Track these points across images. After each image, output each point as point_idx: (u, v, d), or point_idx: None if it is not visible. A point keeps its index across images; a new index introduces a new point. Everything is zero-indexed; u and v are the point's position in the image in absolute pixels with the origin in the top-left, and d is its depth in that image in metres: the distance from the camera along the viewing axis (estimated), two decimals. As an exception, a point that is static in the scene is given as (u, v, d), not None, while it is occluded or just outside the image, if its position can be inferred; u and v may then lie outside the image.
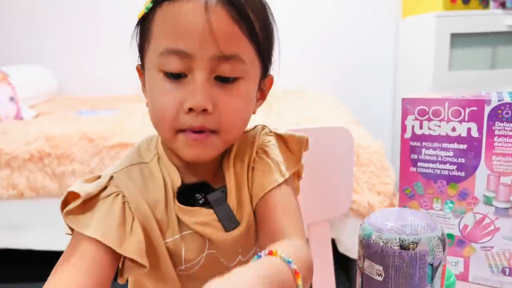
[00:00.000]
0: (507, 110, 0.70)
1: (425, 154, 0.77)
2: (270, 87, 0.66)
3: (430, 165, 0.77)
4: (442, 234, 0.55)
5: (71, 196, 0.54)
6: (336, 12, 2.69)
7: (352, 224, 1.48)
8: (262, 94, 0.65)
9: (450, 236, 0.77)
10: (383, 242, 0.54)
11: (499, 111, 0.70)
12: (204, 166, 0.63)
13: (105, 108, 2.22)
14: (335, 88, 2.61)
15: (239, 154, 0.64)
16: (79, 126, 1.66)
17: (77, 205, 0.53)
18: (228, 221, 0.61)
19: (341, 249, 1.54)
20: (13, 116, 2.00)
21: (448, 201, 0.76)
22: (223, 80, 0.54)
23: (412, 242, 0.52)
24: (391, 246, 0.53)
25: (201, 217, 0.60)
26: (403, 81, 2.56)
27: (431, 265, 0.53)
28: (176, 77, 0.53)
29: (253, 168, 0.63)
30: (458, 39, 2.15)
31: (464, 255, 0.77)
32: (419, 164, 0.78)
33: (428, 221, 0.56)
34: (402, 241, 0.53)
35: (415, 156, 0.78)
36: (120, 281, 0.58)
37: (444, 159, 0.75)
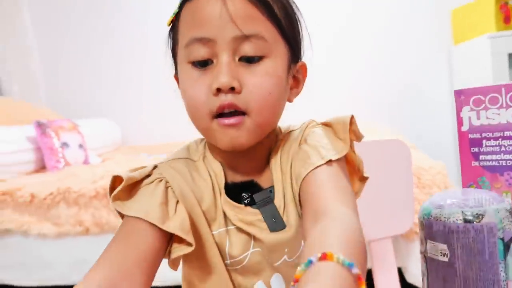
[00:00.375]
0: None
1: (486, 146, 0.73)
2: (305, 75, 0.65)
3: (494, 156, 0.72)
4: (511, 208, 0.50)
5: (117, 182, 0.56)
6: (386, 45, 2.68)
7: (418, 250, 1.38)
8: (296, 82, 0.64)
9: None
10: (444, 217, 0.50)
11: None
12: (248, 164, 0.63)
13: (163, 153, 2.32)
14: (391, 121, 2.56)
15: (285, 152, 0.63)
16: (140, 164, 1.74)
17: (123, 191, 0.55)
18: (274, 223, 0.60)
19: (409, 278, 1.44)
20: (81, 162, 2.14)
21: (519, 194, 0.71)
22: (248, 60, 0.55)
23: (476, 214, 0.49)
24: (454, 221, 0.49)
25: (246, 216, 0.59)
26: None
27: (502, 239, 0.48)
28: (203, 64, 0.56)
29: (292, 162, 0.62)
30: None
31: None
32: (481, 157, 0.73)
33: (493, 194, 0.52)
34: (465, 214, 0.49)
35: (476, 149, 0.74)
36: (171, 266, 0.58)
37: (508, 148, 0.71)
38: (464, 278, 0.49)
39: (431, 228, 0.52)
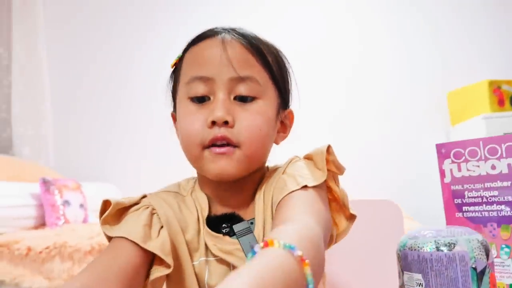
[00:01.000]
0: (545, 141, 0.69)
1: (468, 197, 0.75)
2: (291, 122, 0.71)
3: (477, 207, 0.75)
4: (484, 240, 0.52)
5: (107, 207, 0.60)
6: (383, 130, 2.77)
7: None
8: (284, 127, 0.70)
9: (512, 286, 0.71)
10: (418, 247, 0.52)
11: (537, 144, 0.70)
12: (234, 197, 0.66)
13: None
14: (391, 197, 2.57)
15: (268, 185, 0.66)
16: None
17: (112, 216, 0.59)
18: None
19: None
20: (81, 221, 2.15)
21: (503, 246, 0.72)
22: (242, 100, 0.61)
23: (448, 243, 0.51)
24: (427, 250, 0.51)
25: (225, 245, 0.61)
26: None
27: (474, 269, 0.50)
28: (201, 100, 0.62)
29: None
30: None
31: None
32: (465, 208, 0.76)
33: (467, 229, 0.54)
34: (437, 242, 0.51)
35: (459, 201, 0.76)
36: (150, 287, 0.59)
37: (490, 199, 0.73)
38: (440, 309, 0.50)
39: (407, 258, 0.53)
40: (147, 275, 0.59)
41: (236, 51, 0.62)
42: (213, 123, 0.59)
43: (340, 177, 0.67)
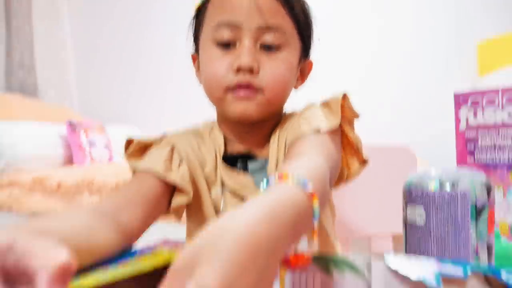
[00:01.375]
0: (562, 90, 0.70)
1: (482, 144, 0.77)
2: (309, 72, 0.74)
3: (489, 154, 0.77)
4: (487, 182, 0.55)
5: (130, 144, 0.66)
6: (408, 79, 2.73)
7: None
8: (302, 75, 0.73)
9: (515, 229, 0.74)
10: (423, 184, 0.55)
11: (554, 93, 0.71)
12: (251, 138, 0.69)
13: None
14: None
15: (284, 129, 0.69)
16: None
17: (135, 152, 0.65)
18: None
19: None
20: (106, 160, 2.25)
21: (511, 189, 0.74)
22: (267, 48, 0.63)
23: (452, 181, 0.54)
24: (431, 187, 0.54)
25: (240, 179, 0.66)
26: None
27: (475, 206, 0.53)
28: (227, 46, 0.63)
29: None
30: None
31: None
32: (476, 155, 0.78)
33: (471, 170, 0.57)
34: (441, 181, 0.54)
35: (472, 147, 0.78)
36: (174, 215, 0.65)
37: (503, 146, 0.75)
38: (438, 240, 0.54)
39: (411, 194, 0.57)
40: (169, 204, 0.64)
41: None
42: (239, 69, 0.61)
43: (360, 123, 0.70)
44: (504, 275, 0.34)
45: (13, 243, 0.26)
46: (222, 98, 0.64)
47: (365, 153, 0.72)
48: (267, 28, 0.62)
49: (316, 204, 0.39)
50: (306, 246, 0.40)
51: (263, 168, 0.68)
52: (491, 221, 0.54)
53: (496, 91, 0.76)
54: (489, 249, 0.54)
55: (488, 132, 0.77)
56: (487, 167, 0.77)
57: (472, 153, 0.78)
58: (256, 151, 0.70)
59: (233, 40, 0.63)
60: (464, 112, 0.79)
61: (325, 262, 0.43)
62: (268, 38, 0.63)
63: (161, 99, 3.06)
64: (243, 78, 0.61)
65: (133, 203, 0.57)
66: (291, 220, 0.34)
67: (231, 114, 0.64)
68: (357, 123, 0.70)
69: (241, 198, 0.66)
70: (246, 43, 0.62)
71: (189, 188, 0.62)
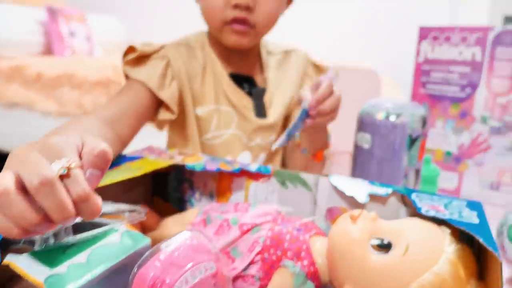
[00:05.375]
0: (509, 36, 0.79)
1: (433, 77, 0.87)
2: None
3: (437, 86, 0.87)
4: (425, 115, 0.66)
5: (131, 50, 0.70)
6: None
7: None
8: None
9: (448, 153, 0.88)
10: (373, 113, 0.66)
11: (501, 37, 0.79)
12: (241, 59, 0.77)
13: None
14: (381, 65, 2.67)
15: (286, 69, 0.81)
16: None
17: (133, 58, 0.69)
18: (260, 112, 0.77)
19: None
20: (86, 53, 2.25)
21: (450, 120, 0.86)
22: None
23: (396, 113, 0.64)
24: (378, 117, 0.65)
25: (243, 100, 0.75)
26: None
27: (410, 136, 0.64)
28: None
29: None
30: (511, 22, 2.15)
31: (459, 171, 0.87)
32: (428, 86, 0.88)
33: (416, 104, 0.67)
34: (388, 112, 0.65)
35: (425, 79, 0.88)
36: (157, 126, 0.75)
37: (450, 81, 0.85)
38: (378, 162, 0.66)
39: (362, 121, 0.68)
40: (155, 114, 0.73)
41: None
42: (236, 6, 0.66)
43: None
44: (414, 196, 0.46)
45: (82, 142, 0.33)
46: (218, 29, 0.70)
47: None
48: None
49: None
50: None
51: (261, 95, 0.78)
52: (422, 149, 0.66)
53: (453, 29, 0.84)
54: (417, 172, 0.67)
55: (440, 67, 0.87)
56: (434, 99, 0.88)
57: (424, 84, 0.89)
58: (254, 76, 0.79)
59: None
60: (424, 46, 0.88)
61: (282, 177, 0.54)
62: None
63: None
64: (240, 14, 0.66)
65: (126, 114, 0.65)
66: None
67: (224, 42, 0.71)
68: (327, 42, 0.83)
69: (240, 116, 0.75)
70: None
71: (175, 108, 0.70)
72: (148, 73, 0.69)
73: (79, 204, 0.30)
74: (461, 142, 0.86)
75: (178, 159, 0.56)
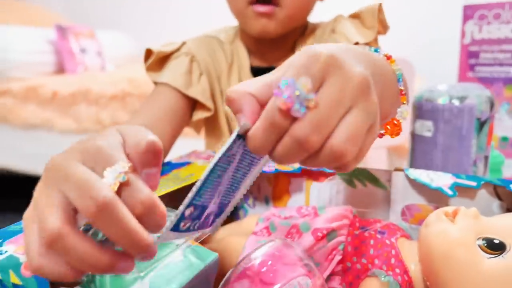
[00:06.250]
0: None
1: (483, 58, 0.81)
2: None
3: (488, 68, 0.80)
4: (491, 96, 0.59)
5: (149, 54, 0.65)
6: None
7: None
8: None
9: (505, 138, 0.81)
10: (433, 99, 0.60)
11: (560, 9, 0.73)
12: (274, 52, 0.70)
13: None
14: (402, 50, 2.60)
15: (311, 43, 0.68)
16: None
17: (155, 62, 0.64)
18: None
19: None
20: (98, 69, 2.22)
21: (504, 103, 0.80)
22: None
23: (460, 96, 0.58)
24: (440, 102, 0.59)
25: None
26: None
27: (479, 119, 0.58)
28: None
29: None
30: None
31: (518, 157, 0.80)
32: (477, 68, 0.81)
33: (478, 85, 0.61)
34: (451, 95, 0.58)
35: (473, 61, 0.82)
36: (194, 128, 0.69)
37: (502, 61, 0.79)
38: (443, 150, 0.60)
39: (421, 108, 0.61)
40: (191, 116, 0.67)
41: None
42: None
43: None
44: None
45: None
46: (242, 12, 0.63)
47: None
48: None
49: (396, 66, 0.36)
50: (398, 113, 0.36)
51: None
52: (490, 134, 0.60)
53: (503, 4, 0.78)
54: (486, 159, 0.60)
55: (490, 47, 0.80)
56: (485, 82, 0.81)
57: (472, 67, 0.82)
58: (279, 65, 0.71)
59: None
60: (470, 26, 0.81)
61: (348, 175, 0.48)
62: None
63: (159, 5, 2.91)
64: None
65: (161, 120, 0.60)
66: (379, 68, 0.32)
67: (250, 31, 0.64)
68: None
69: None
70: None
71: (210, 103, 0.64)
72: (172, 73, 0.64)
73: (145, 217, 0.24)
74: (520, 126, 0.79)
75: (229, 163, 0.50)
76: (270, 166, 0.48)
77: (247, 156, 0.28)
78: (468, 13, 0.81)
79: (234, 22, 0.70)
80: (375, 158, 1.15)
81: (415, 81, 1.31)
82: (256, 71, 0.69)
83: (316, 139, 0.24)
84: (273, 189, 0.52)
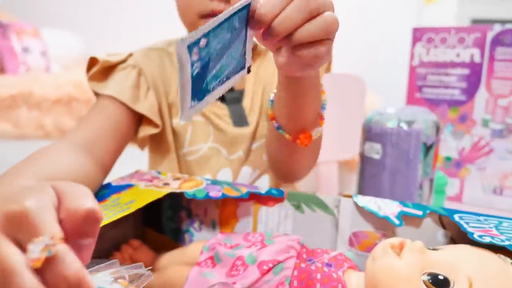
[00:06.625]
0: (508, 36, 0.75)
1: (430, 80, 0.83)
2: None
3: (434, 90, 0.83)
4: (437, 121, 0.61)
5: (94, 64, 0.61)
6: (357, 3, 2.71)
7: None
8: None
9: (448, 158, 0.83)
10: (382, 122, 0.60)
11: (501, 37, 0.76)
12: None
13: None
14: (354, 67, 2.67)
15: (264, 67, 0.69)
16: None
17: (99, 73, 0.60)
18: (238, 119, 0.67)
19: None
20: (43, 69, 2.10)
21: (449, 124, 0.82)
22: None
23: (408, 120, 0.59)
24: (389, 125, 0.59)
25: (215, 108, 0.66)
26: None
27: (425, 144, 0.59)
28: None
29: None
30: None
31: (460, 176, 0.83)
32: (424, 90, 0.84)
33: (425, 109, 0.62)
34: (399, 119, 0.59)
35: (421, 83, 0.84)
36: (139, 145, 0.66)
37: (447, 84, 0.81)
38: (391, 173, 0.60)
39: (371, 131, 0.61)
40: (136, 131, 0.64)
41: None
42: None
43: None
44: (457, 217, 0.40)
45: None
46: (194, 24, 0.62)
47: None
48: None
49: (325, 97, 0.51)
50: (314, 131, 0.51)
51: (238, 99, 0.68)
52: (435, 158, 0.61)
53: (449, 29, 0.80)
54: (431, 182, 0.61)
55: (436, 69, 0.82)
56: (431, 103, 0.83)
57: (420, 88, 0.84)
58: None
59: None
60: (419, 48, 0.83)
61: (297, 199, 0.47)
62: None
63: (109, 4, 2.80)
64: (218, 6, 0.58)
65: (104, 136, 0.56)
66: None
67: None
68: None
69: (214, 127, 0.65)
70: None
71: (158, 120, 0.61)
72: (118, 86, 0.60)
73: None
74: (462, 146, 0.81)
75: (174, 185, 0.47)
76: (217, 191, 0.46)
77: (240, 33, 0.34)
78: (417, 35, 0.83)
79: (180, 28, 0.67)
80: (326, 172, 1.15)
81: (368, 97, 1.34)
82: None
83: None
84: (220, 213, 0.50)
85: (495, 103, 0.77)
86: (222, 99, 0.67)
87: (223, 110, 0.67)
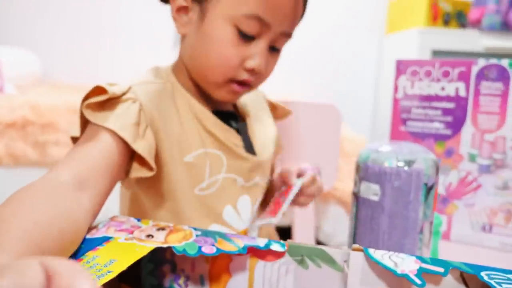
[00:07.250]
0: (493, 70, 0.75)
1: (414, 113, 0.81)
2: None
3: (419, 123, 0.81)
4: (436, 160, 0.58)
5: (96, 91, 0.54)
6: (322, 29, 2.75)
7: (334, 211, 1.50)
8: None
9: (434, 194, 0.81)
10: (380, 161, 0.56)
11: (486, 72, 0.75)
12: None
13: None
14: (317, 98, 2.67)
15: (252, 99, 0.75)
16: (66, 97, 1.64)
17: (97, 102, 0.53)
18: (249, 148, 0.68)
19: (321, 237, 1.55)
20: (-5, 90, 1.96)
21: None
22: (273, 49, 0.62)
23: (409, 160, 0.55)
24: (388, 165, 0.55)
25: (232, 138, 0.65)
26: (384, 94, 2.65)
27: (426, 184, 0.55)
28: (247, 37, 0.58)
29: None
30: (439, 56, 2.25)
31: (447, 213, 0.80)
32: (409, 123, 0.81)
33: (422, 147, 0.59)
34: (398, 159, 0.55)
35: (405, 116, 0.82)
36: (125, 184, 0.59)
37: (433, 117, 0.79)
38: (390, 215, 0.56)
39: (367, 170, 0.57)
40: (127, 172, 0.57)
41: (300, 5, 0.60)
42: (251, 70, 0.60)
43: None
44: (484, 275, 0.36)
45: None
46: (219, 85, 0.62)
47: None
48: (287, 35, 0.62)
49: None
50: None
51: (246, 130, 0.70)
52: (435, 199, 0.58)
53: (433, 62, 0.79)
54: (431, 225, 0.58)
55: (421, 102, 0.81)
56: (416, 137, 0.81)
57: (404, 121, 0.82)
58: (235, 111, 0.72)
59: (256, 35, 0.59)
60: (403, 81, 0.81)
61: (300, 253, 0.42)
62: (282, 42, 0.62)
63: (63, 17, 2.68)
64: (249, 77, 0.61)
65: (99, 173, 0.49)
66: None
67: (214, 96, 0.63)
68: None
69: (222, 160, 0.63)
70: (263, 46, 0.59)
71: (153, 163, 0.55)
72: (120, 121, 0.53)
73: None
74: (449, 181, 0.79)
75: (159, 237, 0.40)
76: (210, 245, 0.40)
77: None
78: (401, 68, 0.81)
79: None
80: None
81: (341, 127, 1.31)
82: (218, 115, 0.66)
83: None
84: (210, 267, 0.43)
85: (482, 137, 0.76)
86: (238, 129, 0.68)
87: (238, 140, 0.67)
